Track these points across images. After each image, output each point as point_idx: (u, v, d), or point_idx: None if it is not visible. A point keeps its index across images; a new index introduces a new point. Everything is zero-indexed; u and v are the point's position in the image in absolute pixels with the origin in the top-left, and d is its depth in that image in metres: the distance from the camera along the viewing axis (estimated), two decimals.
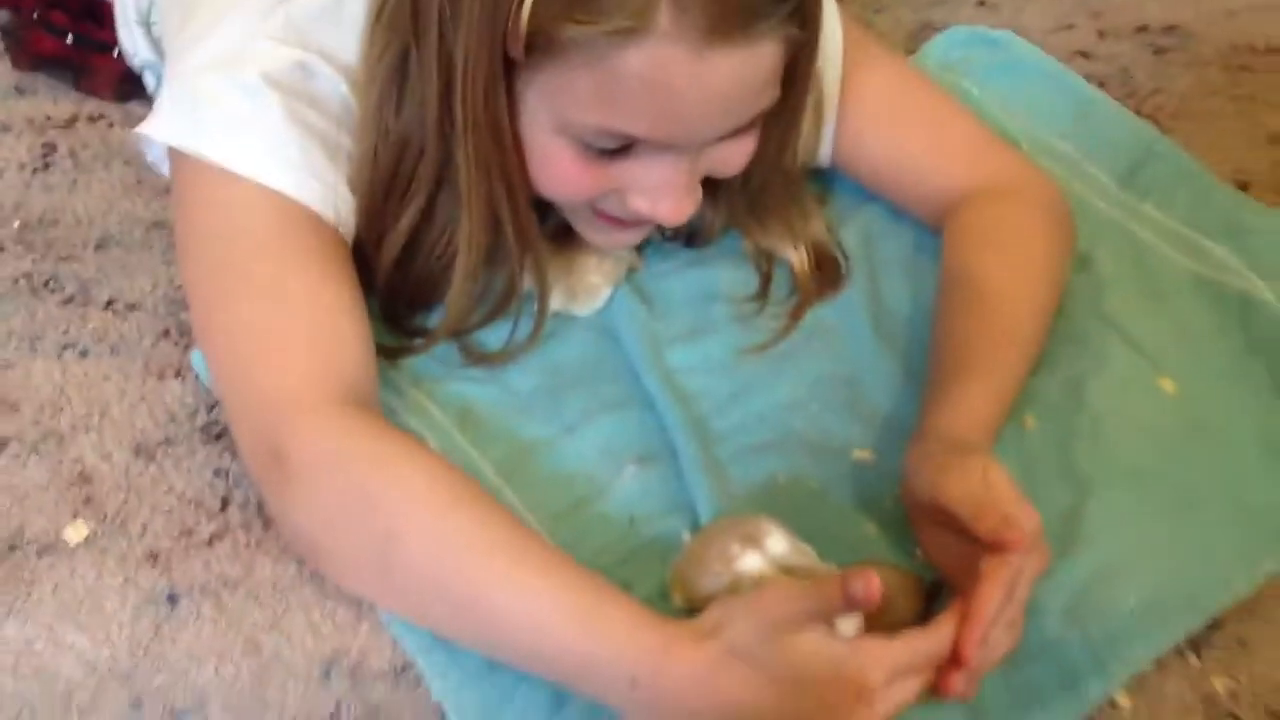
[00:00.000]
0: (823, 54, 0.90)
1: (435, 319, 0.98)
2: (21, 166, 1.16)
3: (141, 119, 1.05)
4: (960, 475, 0.79)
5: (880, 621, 0.76)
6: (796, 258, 1.05)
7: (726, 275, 1.07)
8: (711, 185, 0.93)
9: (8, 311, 1.03)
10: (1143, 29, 1.42)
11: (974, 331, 0.93)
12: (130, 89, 1.21)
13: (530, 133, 0.85)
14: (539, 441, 0.94)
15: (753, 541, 0.80)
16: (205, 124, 0.86)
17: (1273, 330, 1.02)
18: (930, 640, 0.74)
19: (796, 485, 0.93)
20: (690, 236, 1.07)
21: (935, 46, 1.34)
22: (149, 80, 1.15)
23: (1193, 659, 0.85)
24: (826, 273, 1.06)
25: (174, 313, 1.03)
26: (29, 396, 0.96)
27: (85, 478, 0.91)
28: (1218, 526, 0.90)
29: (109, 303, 1.04)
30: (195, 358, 0.98)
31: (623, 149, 0.84)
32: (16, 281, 1.05)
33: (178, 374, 0.98)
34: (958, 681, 0.75)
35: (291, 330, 0.84)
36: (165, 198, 1.12)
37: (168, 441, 0.94)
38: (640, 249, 1.06)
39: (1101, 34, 1.41)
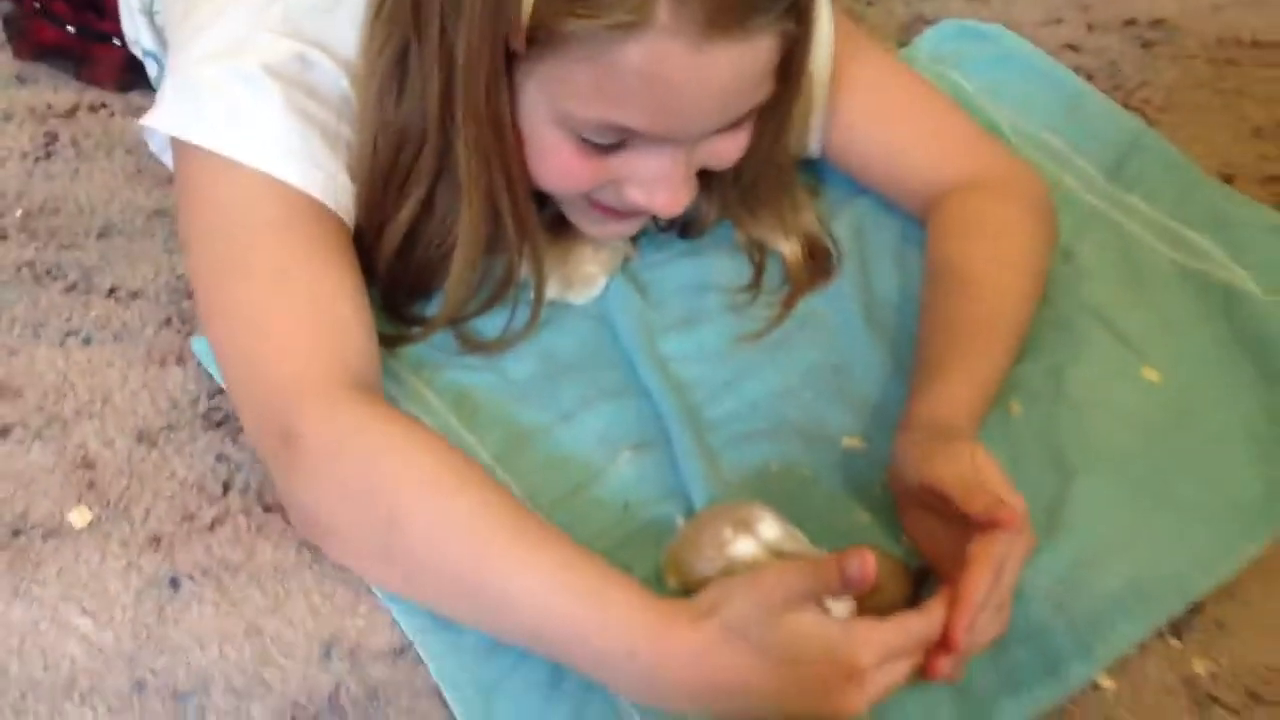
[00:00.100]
0: (814, 46, 0.91)
1: (434, 308, 0.99)
2: (24, 155, 1.17)
3: (142, 108, 1.06)
4: (950, 459, 0.81)
5: (870, 605, 0.77)
6: (788, 248, 1.07)
7: (720, 265, 1.08)
8: (705, 177, 0.94)
9: (11, 299, 1.04)
10: (1130, 23, 1.43)
11: (958, 321, 0.94)
12: (131, 78, 1.22)
13: (529, 125, 0.86)
14: (536, 428, 0.95)
15: (746, 526, 0.81)
16: (207, 114, 0.87)
17: (1255, 321, 1.04)
18: (921, 623, 0.75)
19: (788, 472, 0.94)
20: (685, 227, 1.08)
21: (927, 39, 1.35)
22: (151, 69, 1.16)
23: (1174, 641, 0.86)
24: (818, 263, 1.08)
25: (176, 300, 1.04)
26: (33, 383, 0.97)
27: (88, 463, 0.92)
28: (1199, 512, 0.91)
29: (111, 290, 1.05)
30: (196, 345, 0.99)
31: (620, 142, 0.85)
32: (20, 269, 1.06)
33: (179, 361, 0.99)
34: (945, 665, 0.76)
35: (297, 316, 0.85)
36: (166, 187, 1.12)
37: (170, 428, 0.95)
38: (635, 239, 1.07)
39: (1090, 27, 1.42)
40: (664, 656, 0.73)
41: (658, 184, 0.88)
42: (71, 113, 1.21)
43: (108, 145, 1.18)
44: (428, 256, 0.95)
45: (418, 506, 0.78)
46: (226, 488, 0.92)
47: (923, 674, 0.77)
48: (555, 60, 0.81)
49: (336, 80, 0.89)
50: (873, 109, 1.06)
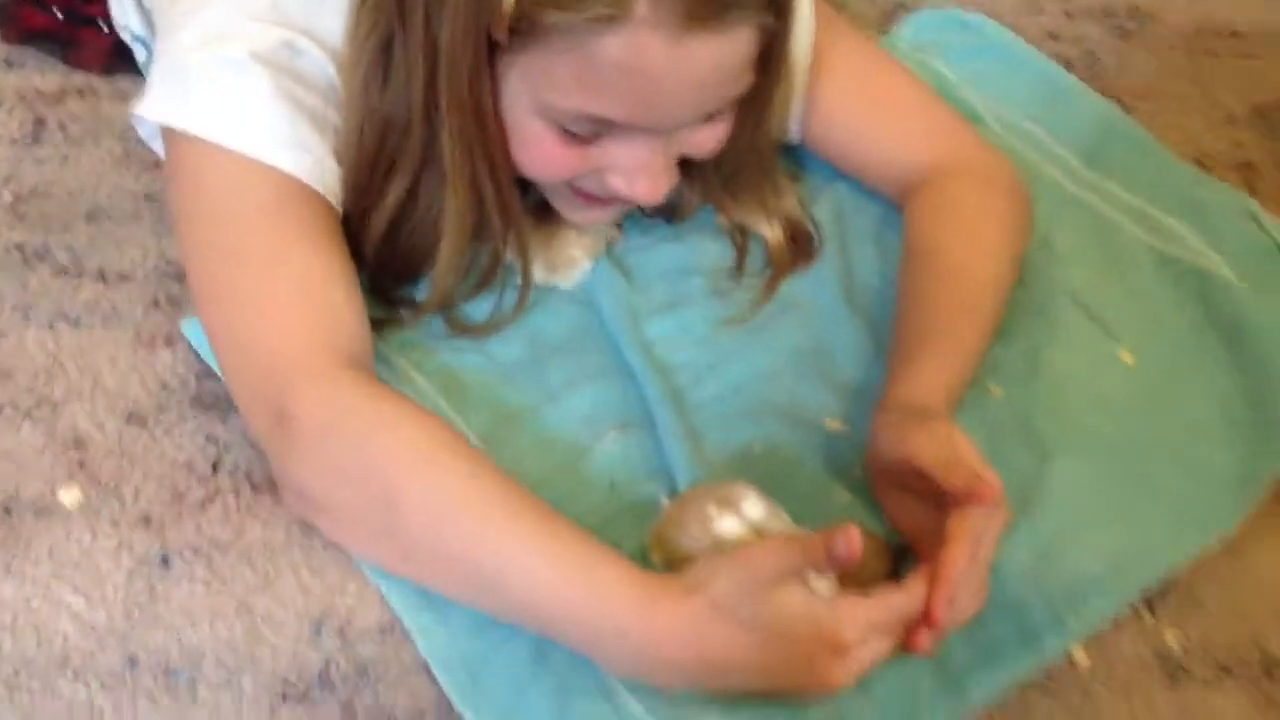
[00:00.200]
0: (793, 33, 0.92)
1: (422, 291, 0.99)
2: (13, 140, 1.17)
3: (129, 93, 1.06)
4: (929, 437, 0.82)
5: (852, 581, 0.79)
6: (770, 232, 1.08)
7: (703, 249, 1.09)
8: (687, 164, 0.95)
9: (1, 282, 1.04)
10: (1109, 12, 1.45)
11: (933, 306, 0.96)
12: (118, 63, 1.22)
13: (512, 115, 0.87)
14: (522, 409, 0.96)
15: (730, 505, 0.82)
16: (196, 101, 0.88)
17: (1229, 305, 1.05)
18: (902, 599, 0.77)
19: (771, 453, 0.95)
20: (668, 213, 1.08)
21: (908, 27, 1.36)
22: (139, 54, 1.16)
23: (1147, 616, 0.88)
24: (800, 246, 1.09)
25: (164, 283, 1.04)
26: (22, 365, 0.98)
27: (79, 443, 0.93)
28: (1173, 491, 0.92)
29: (100, 273, 1.05)
30: (187, 327, 0.99)
31: (601, 132, 0.86)
32: (9, 252, 1.06)
33: (168, 343, 1.00)
34: (926, 639, 0.78)
35: (290, 298, 0.86)
36: (154, 171, 1.13)
37: (159, 409, 0.96)
38: (620, 223, 1.08)
39: (1069, 15, 1.44)
40: (652, 632, 0.74)
41: (638, 173, 0.89)
42: (59, 97, 1.21)
43: (95, 130, 1.18)
44: (414, 242, 0.95)
45: (412, 484, 0.79)
46: (216, 468, 0.92)
47: (904, 647, 0.79)
48: (537, 51, 0.81)
49: (323, 67, 0.90)
50: (852, 96, 1.07)
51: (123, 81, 1.23)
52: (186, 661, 0.82)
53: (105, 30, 1.21)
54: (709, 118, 0.88)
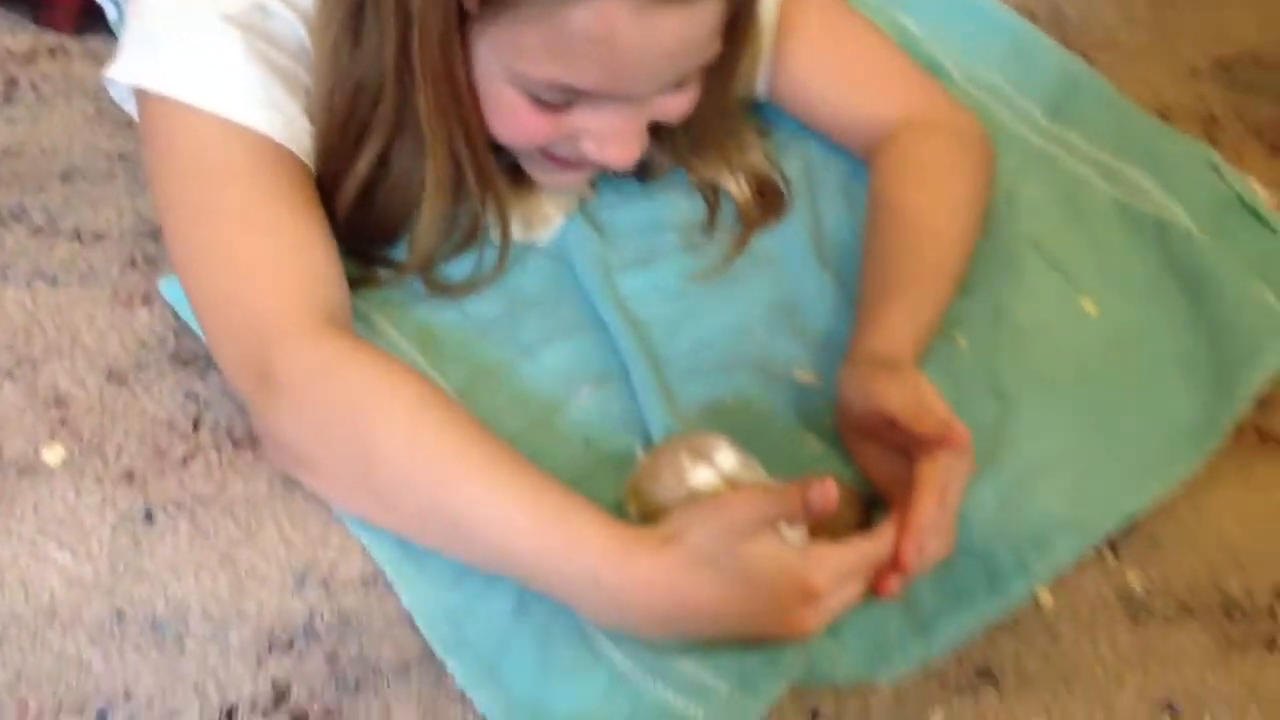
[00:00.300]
0: None
1: (400, 252, 1.00)
2: None
3: (100, 52, 1.06)
4: (897, 387, 0.84)
5: (823, 530, 0.81)
6: (736, 187, 1.08)
7: (675, 205, 1.09)
8: (656, 127, 0.95)
9: None
10: None
11: (898, 260, 0.97)
12: (89, 22, 1.21)
13: (484, 83, 0.87)
14: (498, 365, 0.97)
15: (703, 456, 0.82)
16: (168, 63, 0.88)
17: (1188, 255, 1.07)
18: (872, 546, 0.79)
19: (743, 405, 0.96)
20: (639, 173, 1.09)
21: None
22: (110, 13, 1.15)
23: (1110, 558, 0.90)
24: (768, 201, 1.10)
25: (140, 242, 1.05)
26: (2, 324, 0.98)
27: (60, 402, 0.94)
28: (1134, 437, 0.95)
29: (76, 233, 1.05)
30: (165, 286, 1.00)
31: (572, 100, 0.86)
32: None
33: (146, 301, 1.00)
34: (895, 584, 0.80)
35: (268, 256, 0.86)
36: (127, 130, 1.13)
37: (138, 367, 0.96)
38: (592, 182, 1.08)
39: None
40: (627, 581, 0.75)
41: (610, 139, 0.89)
42: (30, 57, 1.21)
43: (67, 90, 1.18)
44: (389, 206, 0.95)
45: (392, 436, 0.80)
46: (196, 424, 0.93)
47: (873, 592, 0.81)
48: (507, 21, 0.81)
49: (295, 29, 0.90)
50: (817, 52, 1.08)
51: (94, 41, 1.22)
52: (173, 614, 0.83)
53: None
54: (678, 85, 0.88)
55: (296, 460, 0.85)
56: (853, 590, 0.79)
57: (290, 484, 0.89)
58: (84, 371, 0.96)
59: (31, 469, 0.90)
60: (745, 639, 0.79)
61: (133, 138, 1.12)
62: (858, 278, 1.00)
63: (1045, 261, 1.07)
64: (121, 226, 1.06)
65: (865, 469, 0.91)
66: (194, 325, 0.96)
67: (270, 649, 0.82)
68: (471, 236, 1.00)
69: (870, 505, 0.89)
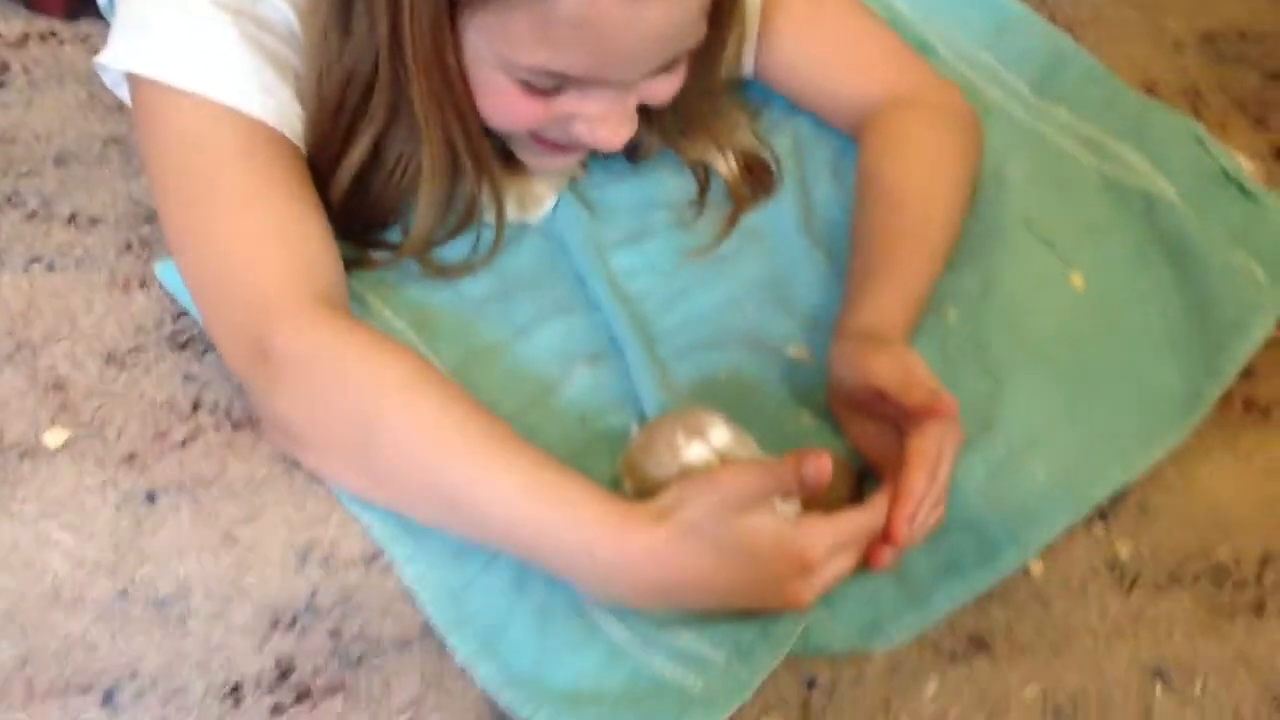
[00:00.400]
0: None
1: (395, 234, 1.00)
2: None
3: (91, 36, 1.05)
4: (887, 360, 0.85)
5: (816, 503, 0.81)
6: (724, 166, 1.09)
7: (666, 183, 1.10)
8: (644, 109, 0.95)
9: None
10: None
11: (886, 236, 0.98)
12: (80, 7, 1.21)
13: (475, 69, 0.87)
14: (493, 344, 0.97)
15: (697, 432, 0.83)
16: (160, 48, 0.88)
17: (1175, 227, 1.08)
18: (865, 518, 0.80)
19: (736, 380, 0.97)
20: (629, 154, 1.09)
21: None
22: None
23: (1098, 527, 0.92)
24: (758, 178, 1.10)
25: (135, 226, 1.05)
26: (0, 310, 0.99)
27: (60, 385, 0.94)
28: (1123, 408, 0.96)
29: (71, 217, 1.05)
30: (161, 270, 1.00)
31: (562, 85, 0.87)
32: None
33: (142, 285, 1.01)
34: (887, 555, 0.81)
35: (265, 238, 0.87)
36: (119, 115, 1.13)
37: (136, 349, 0.97)
38: (583, 161, 1.08)
39: None
40: (623, 555, 0.76)
41: (599, 121, 0.90)
42: (22, 42, 1.21)
43: (59, 74, 1.18)
44: (385, 194, 0.96)
45: (389, 414, 0.81)
46: (196, 406, 0.94)
47: (866, 564, 0.82)
48: (496, 8, 0.81)
49: (284, 13, 0.90)
50: (803, 30, 1.08)
51: (85, 25, 1.22)
52: (176, 593, 0.84)
53: None
54: (665, 68, 0.89)
55: (295, 439, 0.86)
56: (846, 562, 0.80)
57: (290, 464, 0.90)
58: (83, 355, 0.96)
59: (33, 452, 0.91)
60: (741, 611, 0.81)
61: (125, 122, 1.12)
62: (847, 254, 1.01)
63: (1033, 236, 1.08)
64: (117, 211, 1.06)
65: (857, 442, 0.92)
66: (191, 308, 0.96)
67: (273, 626, 0.83)
68: (468, 219, 1.00)
69: (862, 478, 0.90)
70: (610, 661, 0.81)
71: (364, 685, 0.81)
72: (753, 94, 1.15)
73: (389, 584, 0.86)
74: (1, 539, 0.86)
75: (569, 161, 1.02)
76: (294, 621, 0.84)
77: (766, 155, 1.12)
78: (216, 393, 0.94)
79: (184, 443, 0.92)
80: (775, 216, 1.09)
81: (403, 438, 0.81)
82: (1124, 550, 0.91)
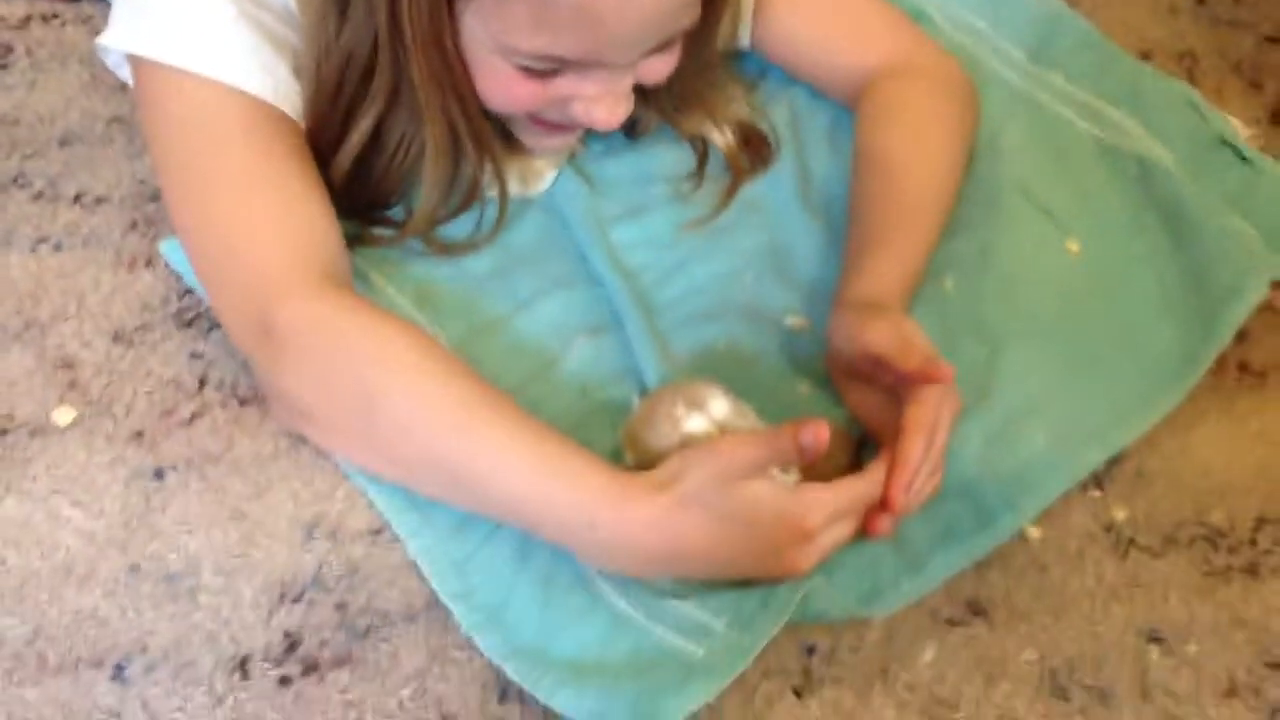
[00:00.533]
0: None
1: (398, 213, 1.01)
2: None
3: (92, 17, 1.05)
4: (885, 326, 0.86)
5: (814, 471, 0.82)
6: (721, 138, 1.09)
7: (664, 156, 1.10)
8: (641, 87, 0.95)
9: None
10: None
11: (883, 206, 0.98)
12: None
13: (472, 52, 0.87)
14: (495, 319, 0.98)
15: (697, 404, 0.84)
16: (161, 29, 0.88)
17: (1169, 192, 1.08)
18: (863, 486, 0.81)
19: (735, 351, 0.98)
20: (628, 130, 1.09)
21: None
22: None
23: (1095, 491, 0.93)
24: (755, 150, 1.10)
25: (140, 205, 1.06)
26: (8, 289, 1.00)
27: (68, 364, 0.95)
28: (1119, 372, 0.96)
29: (77, 197, 1.06)
30: (165, 248, 1.01)
31: (559, 68, 0.87)
32: None
33: (148, 264, 1.01)
34: (885, 523, 0.82)
35: (268, 215, 0.87)
36: (122, 95, 1.13)
37: (144, 328, 0.98)
38: (581, 136, 1.08)
39: None
40: (624, 524, 0.77)
41: (597, 101, 0.90)
42: (24, 23, 1.21)
43: (62, 55, 1.18)
44: (387, 175, 0.96)
45: (392, 387, 0.82)
46: (203, 383, 0.95)
47: (864, 531, 0.83)
48: None
49: None
50: (799, 1, 1.08)
51: (87, 6, 1.22)
52: (186, 568, 0.86)
53: None
54: (661, 48, 0.89)
55: (300, 415, 0.87)
56: (844, 530, 0.81)
57: (296, 440, 0.91)
58: (90, 334, 0.97)
59: (43, 430, 0.92)
60: (740, 579, 0.82)
61: (128, 102, 1.13)
62: (844, 223, 1.01)
63: (1029, 203, 1.08)
64: (121, 190, 1.07)
65: (855, 411, 0.92)
66: (196, 286, 0.97)
67: (281, 600, 0.85)
68: (471, 198, 1.01)
69: (860, 446, 0.91)
70: (613, 631, 0.82)
71: (371, 657, 0.83)
72: (749, 65, 1.15)
73: (395, 557, 0.87)
74: (13, 516, 0.87)
75: (567, 141, 1.02)
76: (301, 594, 0.85)
77: (763, 126, 1.12)
78: (223, 370, 0.95)
79: (191, 419, 0.93)
80: (773, 187, 1.09)
81: (406, 412, 0.82)
82: (1120, 514, 0.92)
